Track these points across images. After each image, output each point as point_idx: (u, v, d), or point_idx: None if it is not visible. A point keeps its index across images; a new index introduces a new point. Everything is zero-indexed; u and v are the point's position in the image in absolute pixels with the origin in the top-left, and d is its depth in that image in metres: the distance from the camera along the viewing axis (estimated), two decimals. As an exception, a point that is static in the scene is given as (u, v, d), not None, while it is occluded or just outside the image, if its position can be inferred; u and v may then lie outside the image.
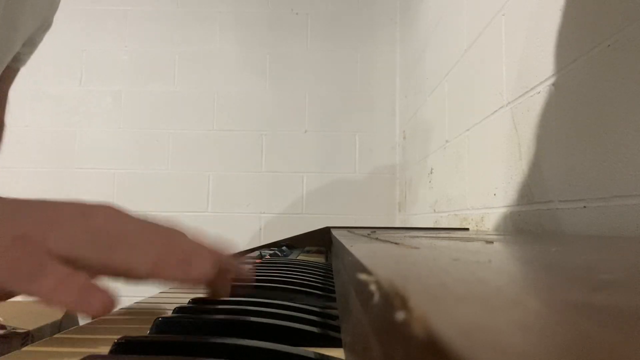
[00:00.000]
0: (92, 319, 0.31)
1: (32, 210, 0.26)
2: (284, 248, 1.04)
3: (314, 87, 2.17)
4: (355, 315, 0.19)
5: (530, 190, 0.80)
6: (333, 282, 0.49)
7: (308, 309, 0.33)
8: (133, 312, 0.35)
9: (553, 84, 0.73)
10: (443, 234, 0.61)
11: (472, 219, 1.11)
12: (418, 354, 0.08)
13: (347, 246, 0.26)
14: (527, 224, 0.81)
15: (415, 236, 0.49)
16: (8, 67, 0.58)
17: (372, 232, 0.61)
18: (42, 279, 0.24)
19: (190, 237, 0.29)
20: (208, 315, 0.29)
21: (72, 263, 0.25)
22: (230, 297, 0.38)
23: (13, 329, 1.34)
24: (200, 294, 0.39)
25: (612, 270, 0.18)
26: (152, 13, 2.21)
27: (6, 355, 0.23)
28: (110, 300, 0.25)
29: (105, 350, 0.23)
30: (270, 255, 0.88)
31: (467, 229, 1.09)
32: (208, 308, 0.32)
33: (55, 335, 0.27)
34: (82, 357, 0.20)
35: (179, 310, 0.31)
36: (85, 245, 0.26)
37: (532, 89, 0.80)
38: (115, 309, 0.36)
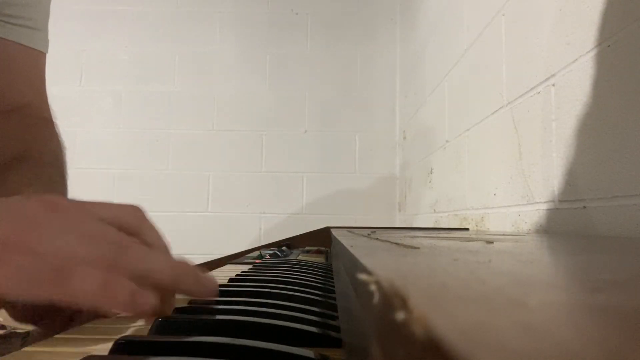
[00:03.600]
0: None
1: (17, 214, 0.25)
2: (284, 248, 1.05)
3: (314, 87, 2.17)
4: (355, 315, 0.19)
5: (530, 190, 0.80)
6: (333, 282, 0.49)
7: (308, 309, 0.33)
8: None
9: (553, 84, 0.73)
10: (443, 234, 0.62)
11: (472, 219, 1.11)
12: (418, 354, 0.08)
13: (347, 246, 0.26)
14: (527, 224, 0.81)
15: (415, 236, 0.49)
16: (22, 47, 0.58)
17: (372, 232, 0.61)
18: (79, 282, 0.23)
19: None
20: (208, 315, 0.29)
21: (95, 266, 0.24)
22: (229, 297, 0.38)
23: (13, 329, 1.34)
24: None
25: (612, 270, 0.18)
26: (152, 13, 2.21)
27: (6, 356, 0.23)
28: (157, 300, 0.25)
29: (105, 350, 0.23)
30: (270, 255, 0.88)
31: (467, 229, 1.09)
32: (208, 308, 0.32)
33: (55, 336, 0.27)
34: (82, 357, 0.20)
35: (178, 310, 0.31)
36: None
37: (532, 89, 0.80)
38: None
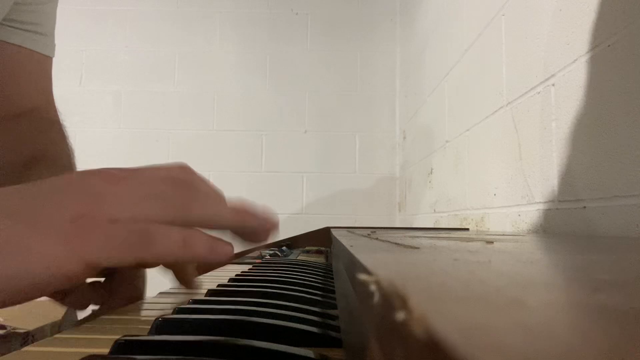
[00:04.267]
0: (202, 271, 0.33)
1: (86, 184, 0.26)
2: (284, 248, 1.04)
3: (314, 87, 2.17)
4: (355, 315, 0.19)
5: (530, 190, 0.80)
6: (333, 282, 0.49)
7: (308, 309, 0.33)
8: (133, 312, 0.35)
9: (553, 84, 0.73)
10: (443, 234, 0.62)
11: (472, 219, 1.11)
12: (418, 354, 0.08)
13: (347, 246, 0.26)
14: (527, 224, 0.81)
15: (415, 236, 0.49)
16: (31, 53, 0.58)
17: (372, 232, 0.61)
18: (161, 241, 0.25)
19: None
20: (208, 315, 0.29)
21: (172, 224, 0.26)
22: (229, 297, 0.38)
23: (13, 329, 1.34)
24: (200, 294, 0.39)
25: (612, 270, 0.18)
26: (152, 13, 2.21)
27: (6, 355, 0.23)
28: (231, 246, 0.28)
29: (105, 350, 0.23)
30: (270, 255, 0.88)
31: (467, 229, 1.09)
32: (208, 308, 0.32)
33: (55, 335, 0.27)
34: (82, 357, 0.20)
35: (179, 310, 0.31)
36: (165, 207, 0.27)
37: (532, 89, 0.80)
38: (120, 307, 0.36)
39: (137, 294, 0.39)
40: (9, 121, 0.58)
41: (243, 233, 0.30)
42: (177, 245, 0.26)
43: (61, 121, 0.63)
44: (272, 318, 0.28)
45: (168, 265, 0.34)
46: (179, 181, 0.29)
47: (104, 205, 0.25)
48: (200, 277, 0.58)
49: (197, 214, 0.28)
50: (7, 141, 0.57)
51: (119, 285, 0.37)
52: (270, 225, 0.31)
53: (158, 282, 0.44)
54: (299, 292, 0.39)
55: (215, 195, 0.30)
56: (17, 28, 0.57)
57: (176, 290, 0.46)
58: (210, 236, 0.27)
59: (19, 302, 0.24)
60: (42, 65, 0.62)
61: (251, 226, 0.30)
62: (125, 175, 0.28)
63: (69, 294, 0.35)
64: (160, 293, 0.44)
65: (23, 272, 0.23)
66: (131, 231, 0.25)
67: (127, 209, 0.26)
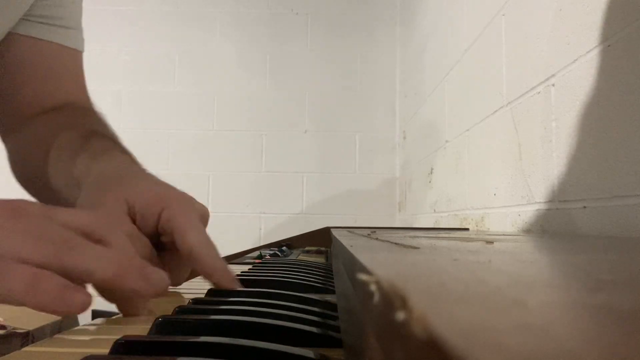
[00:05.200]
0: (65, 316, 0.31)
1: None
2: (284, 248, 1.04)
3: (314, 87, 2.17)
4: (355, 315, 0.19)
5: (530, 190, 0.80)
6: (333, 282, 0.49)
7: (308, 309, 0.33)
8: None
9: (553, 84, 0.73)
10: (443, 234, 0.62)
11: (472, 219, 1.11)
12: (418, 354, 0.08)
13: (347, 246, 0.26)
14: (527, 224, 0.81)
15: (415, 236, 0.49)
16: (61, 46, 0.58)
17: (372, 232, 0.61)
18: (5, 278, 0.24)
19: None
20: (208, 315, 0.29)
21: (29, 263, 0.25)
22: (229, 297, 0.38)
23: (13, 329, 1.34)
24: (201, 293, 0.39)
25: (612, 270, 0.18)
26: (152, 13, 2.21)
27: (6, 356, 0.23)
28: (88, 296, 0.25)
29: (105, 350, 0.23)
30: (270, 255, 0.88)
31: (467, 229, 1.09)
32: (208, 308, 0.32)
33: (55, 335, 0.27)
34: (82, 357, 0.20)
35: (179, 310, 0.31)
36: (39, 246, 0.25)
37: (532, 89, 0.80)
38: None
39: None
40: (43, 116, 0.57)
41: (121, 292, 0.29)
42: (19, 286, 0.24)
43: (100, 113, 0.62)
44: (272, 318, 0.28)
45: (106, 296, 0.31)
46: (89, 231, 0.28)
47: None
48: (200, 277, 0.58)
49: (72, 261, 0.26)
50: (54, 127, 0.55)
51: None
52: (152, 293, 0.29)
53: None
54: (299, 292, 0.39)
55: (110, 252, 0.28)
56: (47, 24, 0.57)
57: (176, 290, 0.46)
58: (66, 282, 0.25)
59: None
60: (75, 59, 0.61)
61: (131, 288, 0.28)
62: (32, 212, 0.27)
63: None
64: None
65: None
66: None
67: None
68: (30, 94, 0.58)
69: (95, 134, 0.51)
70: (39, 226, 0.26)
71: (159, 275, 0.29)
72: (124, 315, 0.32)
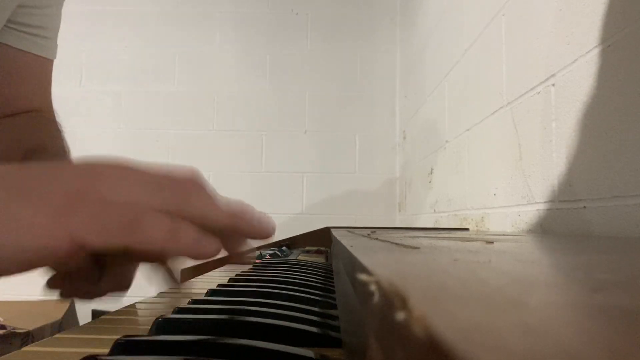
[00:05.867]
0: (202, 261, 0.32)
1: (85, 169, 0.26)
2: (284, 248, 1.04)
3: (314, 87, 2.17)
4: (355, 315, 0.19)
5: (530, 190, 0.80)
6: (333, 282, 0.49)
7: (308, 309, 0.33)
8: (133, 312, 0.35)
9: (553, 84, 0.73)
10: (443, 234, 0.62)
11: (472, 219, 1.11)
12: (418, 354, 0.08)
13: (347, 246, 0.26)
14: (527, 224, 0.81)
15: (415, 236, 0.49)
16: (26, 54, 0.59)
17: (372, 232, 0.61)
18: (149, 228, 0.25)
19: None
20: (208, 315, 0.29)
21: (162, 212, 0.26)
22: (229, 297, 0.38)
23: (13, 329, 1.34)
24: (201, 293, 0.39)
25: (612, 270, 0.18)
26: (152, 13, 2.21)
27: (6, 355, 0.23)
28: (218, 243, 0.27)
29: (105, 350, 0.23)
30: (270, 255, 0.88)
31: (467, 229, 1.09)
32: (208, 308, 0.32)
33: (55, 335, 0.27)
34: (82, 357, 0.20)
35: (179, 310, 0.31)
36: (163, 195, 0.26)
37: (532, 89, 0.80)
38: (116, 309, 0.36)
39: (125, 282, 0.38)
40: (7, 118, 0.59)
41: (236, 235, 0.30)
42: (163, 235, 0.25)
43: (59, 123, 0.64)
44: (272, 318, 0.28)
45: (155, 258, 0.32)
46: (183, 178, 0.29)
47: (101, 185, 0.25)
48: (200, 277, 0.58)
49: (193, 208, 0.27)
50: (5, 137, 0.58)
51: (108, 271, 0.37)
52: (264, 235, 0.31)
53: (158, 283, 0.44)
54: (299, 292, 0.39)
55: (215, 197, 0.30)
56: (22, 32, 0.58)
57: (176, 290, 0.46)
58: (200, 230, 0.27)
59: (6, 274, 0.24)
60: (44, 68, 0.63)
61: (246, 231, 0.30)
62: (132, 165, 0.28)
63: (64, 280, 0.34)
64: (160, 293, 0.44)
65: (10, 241, 0.23)
66: (120, 214, 0.25)
67: (123, 192, 0.25)
68: None
69: (40, 151, 0.53)
70: (151, 178, 0.27)
71: (263, 218, 0.31)
72: (233, 261, 0.34)
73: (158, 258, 0.32)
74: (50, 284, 0.34)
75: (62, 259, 0.24)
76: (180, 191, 0.28)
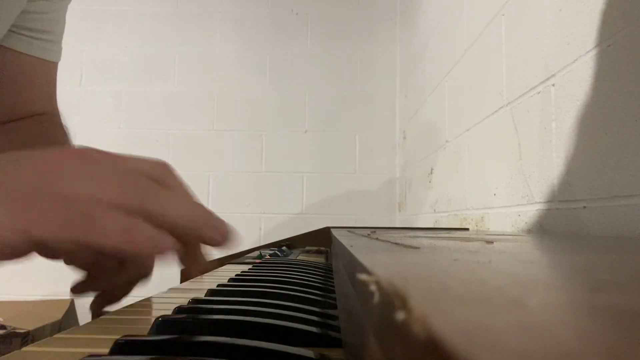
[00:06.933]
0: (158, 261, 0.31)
1: (42, 161, 0.26)
2: (284, 248, 1.04)
3: (314, 87, 2.17)
4: (355, 315, 0.19)
5: (530, 190, 0.80)
6: (333, 282, 0.49)
7: (308, 309, 0.33)
8: (133, 312, 0.35)
9: (553, 84, 0.73)
10: (443, 234, 0.62)
11: (472, 219, 1.11)
12: (418, 354, 0.08)
13: (347, 246, 0.26)
14: (527, 224, 0.81)
15: (415, 236, 0.49)
16: (32, 57, 0.60)
17: (372, 232, 0.61)
18: (102, 224, 0.24)
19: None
20: (208, 315, 0.29)
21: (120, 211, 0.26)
22: (229, 297, 0.38)
23: (13, 329, 1.34)
24: (201, 293, 0.39)
25: (612, 270, 0.18)
26: (152, 13, 2.21)
27: (6, 356, 0.23)
28: (174, 241, 0.27)
29: (105, 350, 0.23)
30: (270, 255, 0.88)
31: (467, 229, 1.09)
32: (208, 308, 0.32)
33: (55, 335, 0.27)
34: (82, 357, 0.20)
35: (179, 310, 0.31)
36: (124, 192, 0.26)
37: (532, 89, 0.80)
38: (115, 309, 0.36)
39: (145, 272, 0.37)
40: (14, 123, 0.59)
41: (195, 239, 0.29)
42: (117, 231, 0.25)
43: (65, 125, 0.64)
44: (272, 318, 0.28)
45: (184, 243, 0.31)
46: (151, 174, 0.28)
47: (60, 180, 0.25)
48: (200, 277, 0.58)
49: (153, 205, 0.27)
50: (13, 141, 0.58)
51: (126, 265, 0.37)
52: (222, 242, 0.29)
53: (157, 283, 0.44)
54: (299, 292, 0.39)
55: (181, 197, 0.29)
56: (28, 36, 0.58)
57: (176, 290, 0.46)
58: (155, 229, 0.26)
59: None
60: (50, 71, 0.63)
61: (205, 235, 0.29)
62: (98, 156, 0.27)
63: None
64: (160, 293, 0.45)
65: None
66: (74, 209, 0.24)
67: (81, 187, 0.25)
68: (3, 103, 0.60)
69: None
70: (116, 173, 0.27)
71: (224, 224, 0.30)
72: (188, 275, 0.34)
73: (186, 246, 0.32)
74: (76, 289, 0.34)
75: (15, 253, 0.24)
76: (142, 187, 0.27)
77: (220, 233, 0.29)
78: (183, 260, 0.32)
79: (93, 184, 0.25)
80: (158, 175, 0.29)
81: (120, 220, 0.25)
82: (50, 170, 0.25)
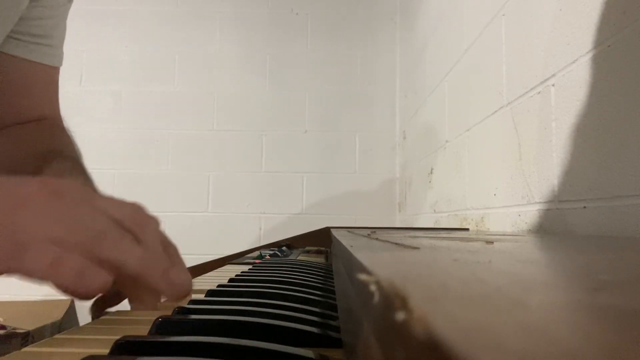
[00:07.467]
0: (86, 301, 0.31)
1: None
2: (284, 248, 1.04)
3: (314, 87, 2.17)
4: (355, 315, 0.19)
5: (530, 190, 0.80)
6: (333, 282, 0.49)
7: (308, 309, 0.33)
8: (133, 312, 0.35)
9: (553, 84, 0.73)
10: (443, 234, 0.61)
11: (472, 219, 1.11)
12: (418, 354, 0.08)
13: (347, 246, 0.26)
14: (527, 224, 0.81)
15: (415, 236, 0.49)
16: (32, 63, 0.59)
17: (372, 232, 0.61)
18: (31, 257, 0.25)
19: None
20: (208, 315, 0.29)
21: (59, 245, 0.25)
22: (229, 298, 0.38)
23: (13, 329, 1.34)
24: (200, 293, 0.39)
25: (612, 270, 0.18)
26: (152, 13, 2.21)
27: (6, 356, 0.23)
28: (107, 278, 0.26)
29: (105, 350, 0.23)
30: (270, 255, 0.88)
31: (467, 229, 1.09)
32: (208, 308, 0.32)
33: (55, 336, 0.27)
34: (82, 357, 0.20)
35: (179, 310, 0.31)
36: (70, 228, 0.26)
37: (532, 89, 0.80)
38: (115, 309, 0.36)
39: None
40: (16, 128, 0.60)
41: (145, 287, 0.29)
42: (43, 265, 0.25)
43: (68, 129, 0.65)
44: (272, 318, 0.28)
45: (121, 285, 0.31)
46: (121, 219, 0.28)
47: (15, 213, 0.25)
48: (200, 277, 0.58)
49: (103, 250, 0.26)
50: (17, 144, 0.58)
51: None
52: (173, 296, 0.30)
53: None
54: (299, 293, 0.39)
55: (146, 243, 0.29)
56: (28, 42, 0.58)
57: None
58: (88, 263, 0.26)
59: None
60: (51, 76, 0.63)
61: (153, 285, 0.29)
62: (70, 193, 0.28)
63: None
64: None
65: None
66: (8, 240, 0.25)
67: (32, 222, 0.25)
68: (6, 108, 0.60)
69: (57, 155, 0.54)
70: (77, 211, 0.27)
71: (183, 278, 0.30)
72: (133, 309, 0.33)
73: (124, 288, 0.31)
74: (95, 313, 0.35)
75: None
76: (98, 230, 0.27)
77: (174, 288, 0.29)
78: (130, 300, 0.32)
79: (45, 220, 0.26)
80: (129, 220, 0.28)
81: (49, 254, 0.25)
82: (11, 203, 0.26)
